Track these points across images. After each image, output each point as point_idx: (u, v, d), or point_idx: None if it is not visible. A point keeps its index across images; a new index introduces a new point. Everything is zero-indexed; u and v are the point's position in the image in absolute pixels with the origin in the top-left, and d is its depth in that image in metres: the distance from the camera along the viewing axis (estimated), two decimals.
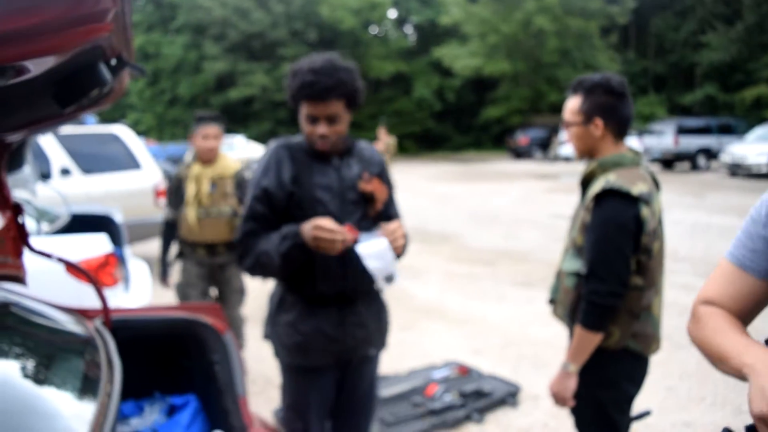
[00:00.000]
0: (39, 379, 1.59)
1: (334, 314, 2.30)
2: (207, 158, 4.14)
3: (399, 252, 2.23)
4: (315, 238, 2.07)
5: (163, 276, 4.37)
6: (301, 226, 2.14)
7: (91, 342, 1.82)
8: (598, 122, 2.22)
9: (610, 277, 2.06)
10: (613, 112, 2.23)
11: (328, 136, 2.22)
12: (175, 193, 4.25)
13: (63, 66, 1.26)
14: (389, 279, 2.16)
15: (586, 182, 2.30)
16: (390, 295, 6.68)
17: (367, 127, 43.00)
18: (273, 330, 2.39)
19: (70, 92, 1.40)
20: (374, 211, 2.35)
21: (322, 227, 2.07)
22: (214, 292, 4.44)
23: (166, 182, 7.65)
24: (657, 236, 2.16)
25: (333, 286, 2.26)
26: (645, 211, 2.08)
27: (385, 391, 4.03)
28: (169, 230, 4.33)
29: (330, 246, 2.08)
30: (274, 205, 2.24)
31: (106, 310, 2.09)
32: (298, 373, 2.38)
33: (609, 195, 2.09)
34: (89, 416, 1.33)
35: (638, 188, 2.08)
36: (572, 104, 2.27)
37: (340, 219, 2.22)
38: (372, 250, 2.12)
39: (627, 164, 2.20)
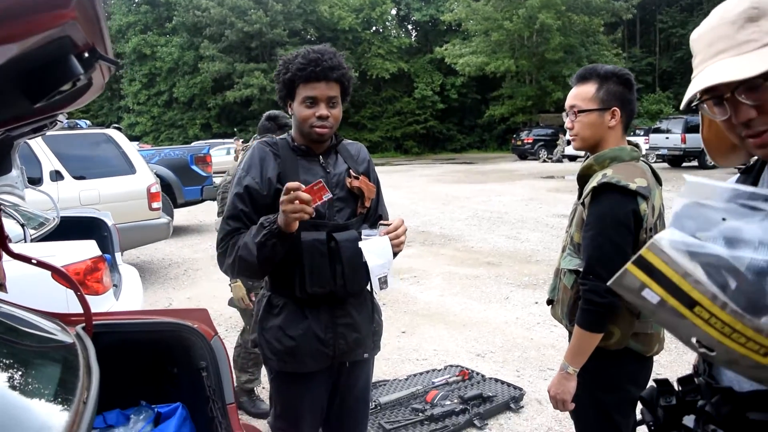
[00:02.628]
0: (13, 385, 1.52)
1: (325, 317, 2.22)
2: None
3: (396, 252, 2.16)
4: (283, 211, 1.96)
5: None
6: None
7: (71, 348, 1.74)
8: (616, 111, 2.14)
9: (609, 275, 1.96)
10: (628, 103, 2.17)
11: (328, 118, 2.15)
12: None
13: (30, 57, 1.19)
14: (383, 282, 2.08)
15: (583, 178, 2.22)
16: (390, 298, 6.66)
17: (369, 128, 43.03)
18: (261, 336, 2.29)
19: (41, 86, 1.33)
20: (363, 209, 2.29)
21: (291, 188, 1.94)
22: None
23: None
24: (657, 232, 2.06)
25: (323, 286, 2.17)
26: (643, 206, 2.00)
27: (384, 398, 3.94)
28: None
29: (300, 212, 1.95)
30: (257, 204, 2.16)
31: (87, 315, 2.01)
32: (288, 379, 2.28)
33: (606, 189, 2.01)
34: (62, 423, 1.29)
35: (636, 183, 2.00)
36: (585, 91, 2.17)
37: (327, 216, 2.18)
38: (374, 246, 2.06)
39: (625, 158, 2.12)
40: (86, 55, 1.36)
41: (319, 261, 2.13)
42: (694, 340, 0.88)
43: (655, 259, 0.88)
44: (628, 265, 0.91)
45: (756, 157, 1.26)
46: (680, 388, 1.11)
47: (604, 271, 1.97)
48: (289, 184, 1.96)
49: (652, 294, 0.88)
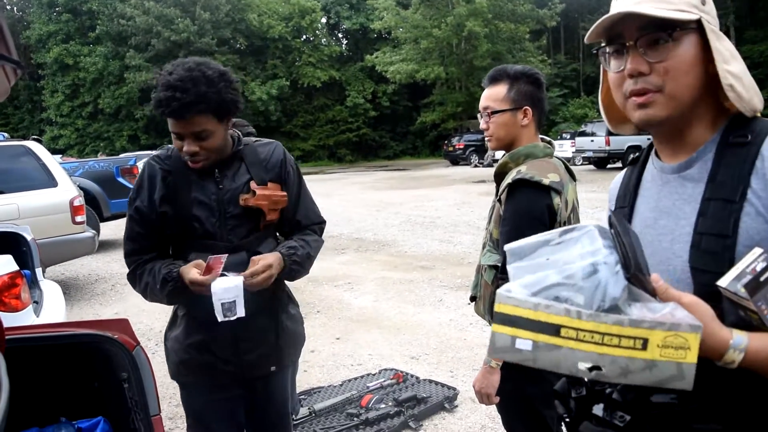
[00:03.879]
0: None
1: (225, 331, 2.11)
2: None
3: (258, 286, 2.02)
4: (193, 290, 1.99)
5: None
6: (180, 270, 2.02)
7: None
8: (527, 110, 2.19)
9: None
10: (539, 102, 2.22)
11: (198, 154, 2.01)
12: None
13: None
14: (228, 309, 1.96)
15: (499, 176, 2.27)
16: (324, 305, 6.65)
17: (302, 137, 42.83)
18: (165, 345, 2.27)
19: None
20: (267, 223, 2.17)
21: (196, 283, 1.96)
22: None
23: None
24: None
25: (210, 310, 2.04)
26: (557, 200, 2.05)
27: (319, 404, 3.91)
28: None
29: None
30: (148, 225, 2.12)
31: None
32: (193, 390, 2.25)
33: (521, 185, 2.06)
34: None
35: (550, 178, 2.05)
36: (496, 92, 2.21)
37: (218, 236, 2.09)
38: (223, 285, 1.95)
39: (539, 155, 2.18)
40: None
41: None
42: (580, 366, 0.90)
43: (508, 308, 0.92)
44: (492, 327, 0.94)
45: (638, 153, 1.35)
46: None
47: None
48: (195, 280, 1.95)
49: (524, 341, 0.91)
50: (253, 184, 2.12)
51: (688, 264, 1.09)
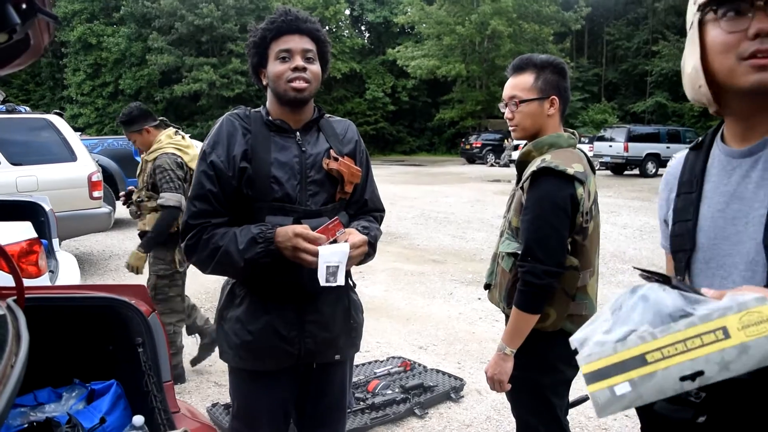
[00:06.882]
0: None
1: (291, 313, 2.01)
2: None
3: (356, 259, 1.97)
4: (295, 247, 1.85)
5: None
6: (276, 231, 1.88)
7: (1, 318, 1.69)
8: (554, 100, 2.18)
9: (546, 257, 2.01)
10: (564, 91, 2.21)
11: (306, 70, 1.96)
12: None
13: None
14: (332, 274, 1.88)
15: (522, 164, 2.26)
16: None
17: None
18: (220, 327, 2.12)
19: None
20: (342, 195, 2.08)
21: (307, 238, 1.86)
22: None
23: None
24: (592, 217, 2.13)
25: (289, 277, 1.97)
26: (580, 191, 2.05)
27: None
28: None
29: (307, 261, 1.86)
30: (223, 183, 1.95)
31: (19, 287, 1.95)
32: (246, 377, 2.11)
33: (545, 174, 2.05)
34: None
35: (574, 168, 2.04)
36: (523, 81, 2.20)
37: (297, 201, 1.99)
38: (330, 248, 1.89)
39: (563, 145, 2.17)
40: (24, 6, 1.31)
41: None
42: (681, 382, 0.89)
43: (592, 366, 0.93)
44: (588, 389, 0.94)
45: (701, 137, 1.32)
46: None
47: (542, 254, 2.01)
48: (306, 234, 1.85)
49: (621, 386, 0.91)
50: (332, 152, 2.06)
51: (762, 244, 1.09)
